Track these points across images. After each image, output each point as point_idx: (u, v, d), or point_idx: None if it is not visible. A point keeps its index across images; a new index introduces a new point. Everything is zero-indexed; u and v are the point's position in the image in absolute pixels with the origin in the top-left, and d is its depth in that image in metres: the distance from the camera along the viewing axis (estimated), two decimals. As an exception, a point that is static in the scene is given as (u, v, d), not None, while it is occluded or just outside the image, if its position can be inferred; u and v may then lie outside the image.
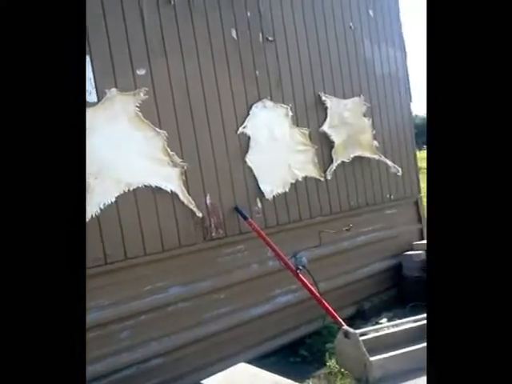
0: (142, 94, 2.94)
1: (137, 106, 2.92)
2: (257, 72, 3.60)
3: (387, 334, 3.05)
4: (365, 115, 4.34)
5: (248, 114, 3.52)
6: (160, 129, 3.03)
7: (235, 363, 2.79)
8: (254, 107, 3.55)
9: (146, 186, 2.98)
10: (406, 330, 3.06)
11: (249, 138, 3.52)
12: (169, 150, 3.07)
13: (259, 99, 3.59)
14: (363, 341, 2.78)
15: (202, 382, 2.65)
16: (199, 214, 3.21)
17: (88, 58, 2.74)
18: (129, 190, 2.90)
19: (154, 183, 3.01)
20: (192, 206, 3.18)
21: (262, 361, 3.34)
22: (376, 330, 3.15)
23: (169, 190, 3.08)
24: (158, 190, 3.04)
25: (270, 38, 3.69)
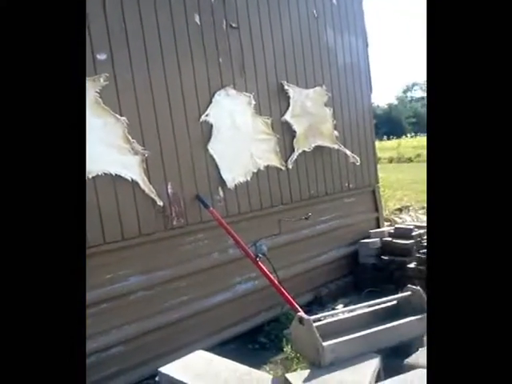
0: (102, 80, 2.86)
1: (97, 92, 2.84)
2: (220, 59, 3.57)
3: (341, 319, 3.14)
4: (326, 105, 4.39)
5: (211, 102, 3.49)
6: (120, 115, 2.97)
7: (195, 351, 2.82)
8: (216, 95, 3.53)
9: (105, 173, 2.92)
10: (359, 315, 3.16)
11: (211, 126, 3.50)
12: (129, 137, 3.02)
13: (222, 87, 3.57)
14: (317, 326, 2.85)
15: (159, 369, 2.67)
16: (160, 203, 3.19)
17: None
18: (88, 178, 2.84)
19: (113, 171, 2.96)
20: (153, 195, 3.15)
21: (222, 348, 3.39)
22: (331, 316, 3.25)
23: (129, 178, 3.04)
24: (118, 178, 2.99)
25: (233, 25, 3.66)
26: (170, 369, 2.61)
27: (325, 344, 2.73)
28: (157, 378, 3.12)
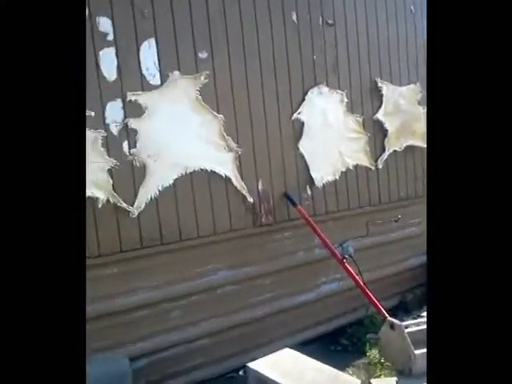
0: (202, 78, 2.92)
1: (197, 90, 2.91)
2: (314, 56, 3.52)
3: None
4: (419, 103, 4.21)
5: (303, 100, 3.47)
6: (218, 113, 3.02)
7: (278, 348, 2.84)
8: (309, 93, 3.49)
9: (201, 169, 3.00)
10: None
11: (303, 124, 3.48)
12: (225, 134, 3.06)
13: (315, 84, 3.53)
14: (407, 333, 2.78)
15: (247, 364, 2.71)
16: (250, 200, 3.22)
17: (153, 41, 2.74)
18: (185, 173, 2.93)
19: (209, 167, 3.02)
20: (244, 192, 3.19)
21: (304, 347, 3.38)
22: (417, 324, 3.14)
23: (223, 175, 3.09)
24: (213, 174, 3.05)
25: (329, 22, 3.59)
26: (258, 365, 2.64)
27: (417, 352, 2.65)
28: (240, 372, 3.20)
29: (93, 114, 2.58)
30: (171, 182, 2.88)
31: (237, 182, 3.15)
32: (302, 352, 2.89)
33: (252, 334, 3.25)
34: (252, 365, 2.68)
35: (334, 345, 3.56)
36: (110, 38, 2.62)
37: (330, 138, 3.65)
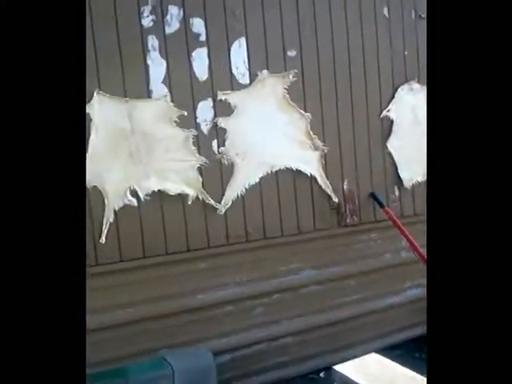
0: (290, 76, 2.91)
1: (285, 88, 2.90)
2: (406, 52, 3.38)
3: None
4: None
5: (393, 97, 3.34)
6: (305, 111, 3.00)
7: (361, 351, 2.78)
8: (400, 89, 3.36)
9: (287, 168, 2.99)
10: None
11: (392, 122, 3.35)
12: (311, 132, 3.03)
13: (406, 81, 3.39)
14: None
15: (334, 367, 2.68)
16: (335, 199, 3.17)
17: (244, 41, 2.77)
18: (271, 172, 2.94)
19: (294, 166, 3.01)
20: (329, 191, 3.14)
21: (388, 352, 3.28)
22: None
23: (308, 174, 3.06)
24: (298, 172, 3.03)
25: (422, 15, 3.43)
26: (344, 368, 2.61)
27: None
28: (321, 374, 3.17)
29: (185, 113, 2.66)
30: (257, 180, 2.90)
31: (322, 181, 3.11)
32: (386, 357, 2.81)
33: (335, 336, 3.20)
34: (338, 368, 2.65)
35: (419, 352, 3.42)
36: (203, 38, 2.68)
37: (419, 136, 3.48)
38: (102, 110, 2.51)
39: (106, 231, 2.57)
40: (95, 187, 2.55)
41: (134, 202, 2.62)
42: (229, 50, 2.75)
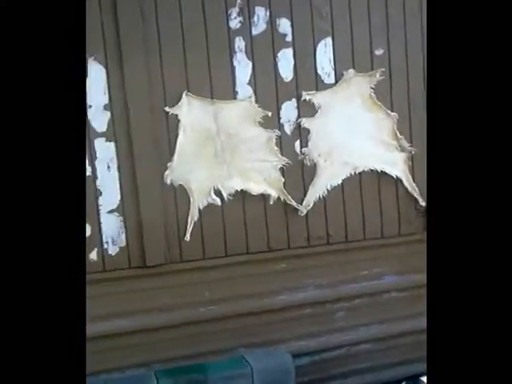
0: (377, 75, 2.82)
1: (371, 87, 2.82)
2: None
3: None
4: None
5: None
6: (391, 111, 2.89)
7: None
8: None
9: (371, 170, 2.90)
10: None
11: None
12: (398, 133, 2.92)
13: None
14: None
15: (421, 378, 2.58)
16: (422, 203, 3.03)
17: (330, 40, 2.73)
18: (355, 173, 2.86)
19: (379, 167, 2.91)
20: (416, 194, 3.01)
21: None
22: None
23: (393, 176, 2.95)
24: (383, 174, 2.93)
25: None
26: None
27: None
28: (404, 383, 3.05)
29: (269, 114, 2.66)
30: (340, 181, 2.84)
31: (408, 183, 2.99)
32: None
33: (419, 346, 3.06)
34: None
35: None
36: (289, 38, 2.67)
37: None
38: (190, 111, 2.57)
39: (190, 229, 2.64)
40: (181, 186, 2.62)
41: (218, 201, 2.66)
42: (314, 50, 2.72)
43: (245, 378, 2.63)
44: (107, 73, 2.45)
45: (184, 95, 2.55)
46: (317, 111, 2.75)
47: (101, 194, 2.50)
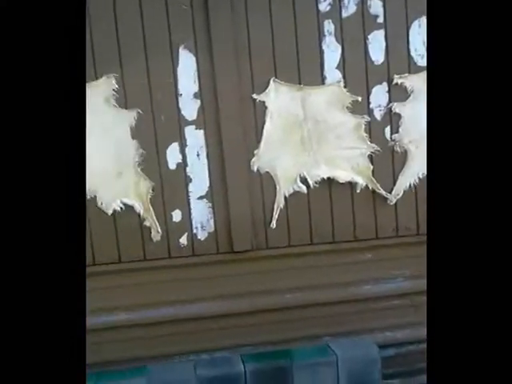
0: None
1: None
2: None
3: None
4: None
5: None
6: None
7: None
8: None
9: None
10: None
11: None
12: None
13: None
14: None
15: None
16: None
17: (424, 20, 2.58)
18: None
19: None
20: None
21: None
22: None
23: (490, 163, 2.77)
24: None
25: None
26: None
27: None
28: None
29: (359, 98, 2.58)
30: (430, 169, 2.71)
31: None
32: None
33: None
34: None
35: None
36: (381, 20, 2.56)
37: None
38: (277, 98, 2.55)
39: (276, 216, 2.64)
40: (267, 173, 2.62)
41: (304, 188, 2.64)
42: (407, 31, 2.58)
43: (330, 366, 2.61)
44: (197, 61, 2.48)
45: (271, 81, 2.53)
46: (409, 95, 2.62)
47: (191, 180, 2.56)
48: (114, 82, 2.40)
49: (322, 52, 2.56)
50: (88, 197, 2.46)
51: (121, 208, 2.50)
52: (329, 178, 2.64)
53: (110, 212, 2.49)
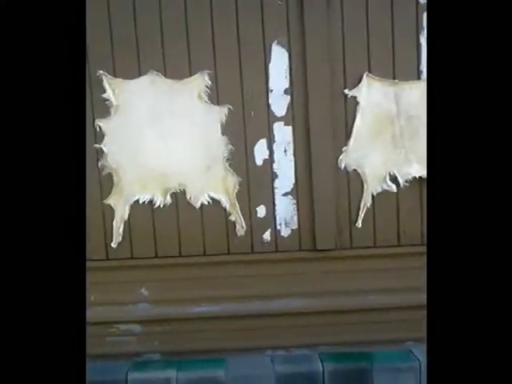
0: None
1: None
2: None
3: None
4: None
5: None
6: None
7: None
8: None
9: None
10: None
11: None
12: None
13: None
14: None
15: None
16: None
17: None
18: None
19: None
20: None
21: None
22: None
23: None
24: None
25: None
26: None
27: None
28: None
29: None
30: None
31: None
32: None
33: None
34: None
35: None
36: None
37: None
38: (369, 93, 2.46)
39: (362, 215, 2.56)
40: (355, 171, 2.54)
41: (394, 187, 2.54)
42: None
43: (412, 371, 2.54)
44: (289, 56, 2.43)
45: (364, 76, 2.44)
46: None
47: (277, 176, 2.54)
48: (207, 78, 2.41)
49: (419, 46, 2.43)
50: (178, 190, 2.51)
51: (208, 202, 2.53)
52: (420, 177, 2.53)
53: (197, 205, 2.52)
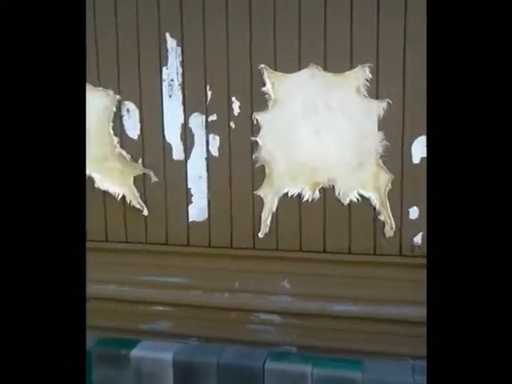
0: None
1: None
2: None
3: None
4: None
5: None
6: None
7: None
8: None
9: None
10: None
11: None
12: None
13: None
14: None
15: None
16: None
17: None
18: None
19: None
20: None
21: None
22: None
23: None
24: None
25: None
26: None
27: None
28: None
29: None
30: None
31: None
32: None
33: None
34: None
35: None
36: None
37: None
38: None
39: None
40: None
41: None
42: None
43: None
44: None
45: None
46: None
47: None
48: (367, 71, 2.34)
49: None
50: (327, 185, 2.48)
51: (357, 199, 2.47)
52: None
53: (346, 202, 2.48)
